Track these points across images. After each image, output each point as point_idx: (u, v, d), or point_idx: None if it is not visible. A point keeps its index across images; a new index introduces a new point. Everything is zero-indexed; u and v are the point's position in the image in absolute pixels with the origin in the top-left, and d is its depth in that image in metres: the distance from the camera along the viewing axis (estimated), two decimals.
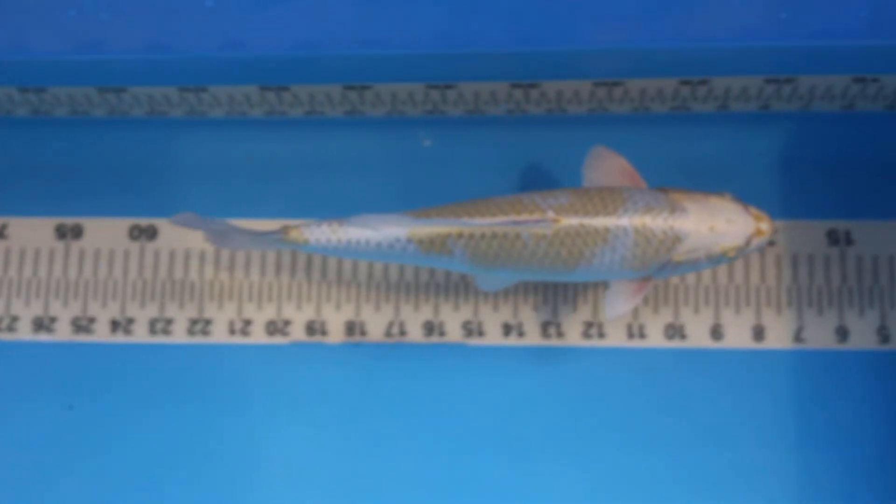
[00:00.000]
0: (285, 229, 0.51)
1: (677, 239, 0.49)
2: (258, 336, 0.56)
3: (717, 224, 0.49)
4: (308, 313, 0.56)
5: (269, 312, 0.56)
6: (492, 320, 0.56)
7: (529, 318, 0.56)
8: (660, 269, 0.50)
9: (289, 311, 0.56)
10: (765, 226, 0.50)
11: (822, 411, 0.55)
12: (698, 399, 0.55)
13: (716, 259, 0.50)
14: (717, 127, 0.57)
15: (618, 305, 0.50)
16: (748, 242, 0.49)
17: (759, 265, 0.56)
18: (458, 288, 0.56)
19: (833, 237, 0.55)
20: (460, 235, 0.49)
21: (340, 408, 0.56)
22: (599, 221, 0.49)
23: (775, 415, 0.55)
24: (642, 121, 0.57)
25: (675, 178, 0.53)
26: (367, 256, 0.51)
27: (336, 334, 0.56)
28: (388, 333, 0.56)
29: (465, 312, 0.56)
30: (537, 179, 0.57)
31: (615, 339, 0.55)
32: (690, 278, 0.55)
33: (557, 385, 0.56)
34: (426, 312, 0.56)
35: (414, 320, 0.56)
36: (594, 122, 0.57)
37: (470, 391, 0.56)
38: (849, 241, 0.55)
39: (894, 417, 0.54)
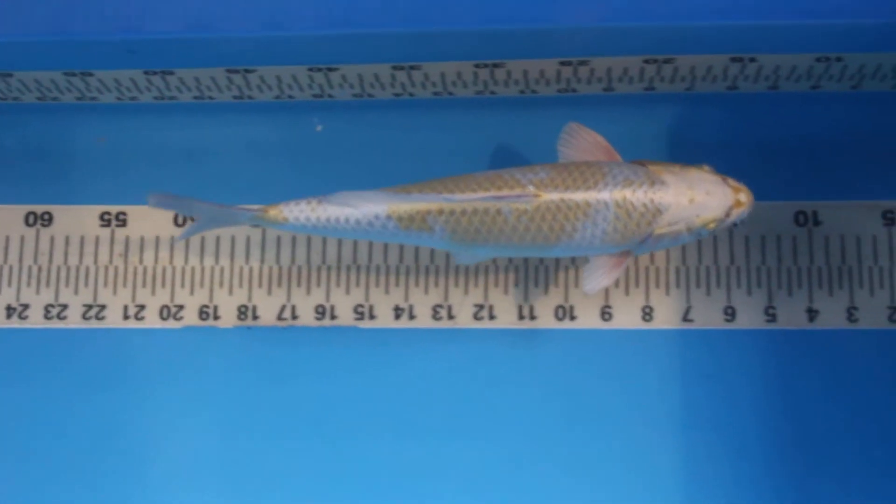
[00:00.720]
0: (264, 208, 0.51)
1: (658, 211, 0.49)
2: (151, 321, 0.57)
3: (696, 196, 0.49)
4: (201, 298, 0.56)
5: (163, 297, 0.57)
6: (382, 303, 0.56)
7: (421, 302, 0.56)
8: (641, 244, 0.50)
9: (182, 296, 0.57)
10: (744, 197, 0.49)
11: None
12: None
13: (696, 231, 0.49)
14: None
15: (596, 280, 0.50)
16: (728, 214, 0.49)
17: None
18: (349, 271, 0.56)
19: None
20: (441, 212, 0.49)
21: (232, 390, 0.56)
22: (580, 195, 0.49)
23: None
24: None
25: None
26: (346, 234, 0.51)
27: (228, 318, 0.56)
28: (281, 317, 0.56)
29: (358, 296, 0.56)
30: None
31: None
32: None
33: (449, 369, 0.56)
34: (317, 296, 0.56)
35: (306, 304, 0.56)
36: (478, 105, 0.57)
37: (359, 373, 0.56)
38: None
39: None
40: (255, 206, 0.51)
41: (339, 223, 0.50)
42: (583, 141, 0.51)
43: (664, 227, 0.49)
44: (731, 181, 0.49)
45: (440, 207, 0.49)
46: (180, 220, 0.57)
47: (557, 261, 0.55)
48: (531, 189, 0.49)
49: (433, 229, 0.50)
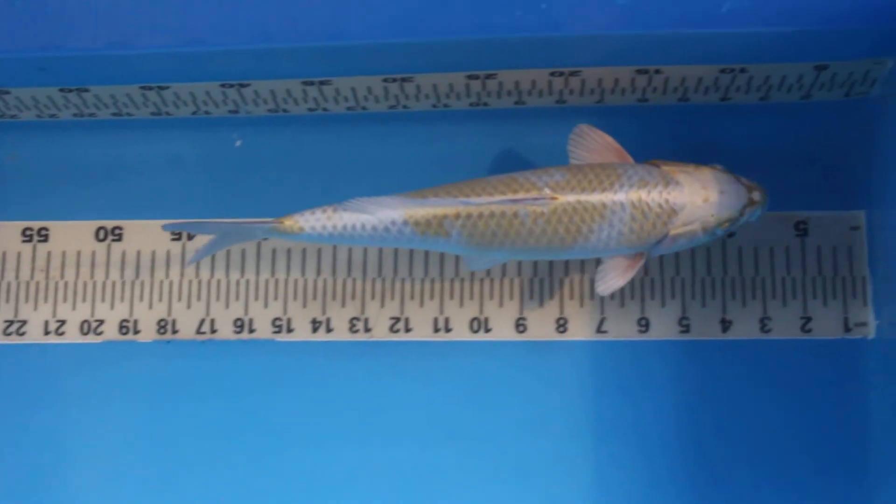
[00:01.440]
0: (279, 220, 0.51)
1: (673, 212, 0.49)
2: (72, 336, 0.57)
3: (710, 195, 0.49)
4: (121, 312, 0.57)
5: (84, 312, 0.57)
6: (300, 316, 0.56)
7: (338, 315, 0.56)
8: (657, 245, 0.50)
9: (102, 311, 0.57)
10: (757, 195, 0.50)
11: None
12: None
13: (711, 231, 0.49)
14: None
15: (610, 281, 0.50)
16: (742, 213, 0.49)
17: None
18: (267, 285, 0.57)
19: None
20: (457, 216, 0.50)
21: (153, 405, 0.56)
22: (596, 197, 0.49)
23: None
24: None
25: None
26: (362, 242, 0.51)
27: (148, 333, 0.57)
28: (200, 331, 0.57)
29: (276, 309, 0.56)
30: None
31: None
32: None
33: (366, 381, 0.56)
34: (236, 310, 0.57)
35: (224, 317, 0.57)
36: (391, 119, 0.57)
37: (279, 385, 0.56)
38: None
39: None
40: (269, 220, 0.52)
41: (355, 230, 0.51)
42: (593, 142, 0.51)
43: (679, 227, 0.49)
44: (745, 180, 0.50)
45: (457, 211, 0.49)
46: (101, 236, 0.57)
47: (472, 274, 0.56)
48: (547, 191, 0.49)
49: (450, 234, 0.50)
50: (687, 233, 0.49)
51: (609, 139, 0.51)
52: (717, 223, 0.49)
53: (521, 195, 0.49)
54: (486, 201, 0.49)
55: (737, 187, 0.49)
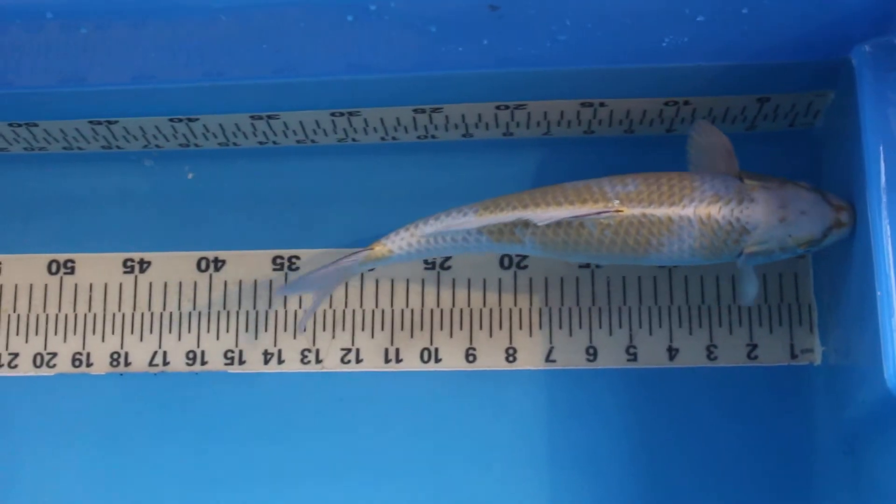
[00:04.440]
0: (369, 248, 0.52)
1: (744, 230, 0.48)
2: (25, 368, 0.57)
3: (789, 215, 0.48)
4: (74, 345, 0.57)
5: (36, 345, 0.57)
6: (251, 348, 0.57)
7: (289, 346, 0.57)
8: (738, 258, 0.49)
9: (55, 344, 0.57)
10: (845, 217, 0.47)
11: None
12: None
13: (791, 250, 0.48)
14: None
15: (749, 292, 0.51)
16: (825, 234, 0.48)
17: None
18: (220, 317, 0.57)
19: None
20: (527, 225, 0.50)
21: (106, 437, 0.57)
22: (663, 212, 0.48)
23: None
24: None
25: None
26: (446, 252, 0.52)
27: (101, 365, 0.57)
28: (152, 363, 0.57)
29: (227, 341, 0.57)
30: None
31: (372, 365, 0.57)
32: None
33: (316, 412, 0.56)
34: (188, 342, 0.57)
35: (177, 350, 0.57)
36: (340, 151, 0.57)
37: (231, 417, 0.57)
38: None
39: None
40: (360, 251, 0.52)
41: (437, 243, 0.51)
42: (711, 141, 0.50)
43: (753, 246, 0.48)
44: (834, 199, 0.48)
45: (525, 221, 0.49)
46: (54, 269, 0.58)
47: (422, 305, 0.56)
48: (615, 203, 0.48)
49: (523, 241, 0.50)
50: (763, 251, 0.48)
51: (723, 138, 0.50)
52: (796, 244, 0.48)
53: (586, 208, 0.49)
54: (549, 217, 0.49)
55: (822, 208, 0.48)
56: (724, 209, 0.48)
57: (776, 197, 0.48)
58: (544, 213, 0.49)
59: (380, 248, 0.52)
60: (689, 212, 0.48)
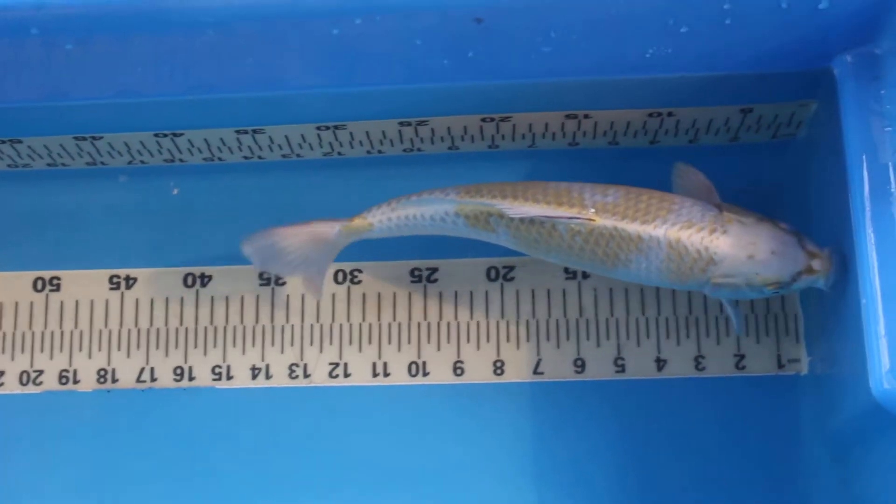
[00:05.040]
0: (349, 220, 0.52)
1: (711, 261, 0.47)
2: (11, 386, 0.57)
3: (758, 252, 0.47)
4: (60, 362, 0.57)
5: (22, 363, 0.57)
6: (239, 363, 0.57)
7: (277, 361, 0.57)
8: (704, 287, 0.48)
9: (41, 361, 0.57)
10: (818, 264, 0.47)
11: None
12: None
13: (758, 289, 0.47)
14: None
15: (735, 321, 0.51)
16: (794, 279, 0.47)
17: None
18: (206, 333, 0.57)
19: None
20: (501, 216, 0.49)
21: (94, 454, 0.56)
22: (634, 228, 0.48)
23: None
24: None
25: None
26: (424, 231, 0.52)
27: (88, 382, 0.57)
28: (140, 380, 0.57)
29: (215, 357, 0.57)
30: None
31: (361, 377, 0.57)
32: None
33: (305, 427, 0.56)
34: (175, 358, 0.57)
35: (164, 366, 0.57)
36: (326, 166, 0.58)
37: (220, 433, 0.56)
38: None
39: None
40: (338, 220, 0.52)
41: (416, 220, 0.51)
42: (687, 181, 0.50)
43: (720, 277, 0.47)
44: (810, 244, 0.47)
45: (500, 212, 0.49)
46: (39, 286, 0.57)
47: (409, 318, 0.56)
48: (591, 212, 0.48)
49: (497, 231, 0.50)
50: (729, 284, 0.47)
51: (701, 177, 0.49)
52: (762, 283, 0.47)
53: (560, 211, 0.48)
54: (524, 212, 0.49)
55: (794, 251, 0.47)
56: (695, 236, 0.47)
57: (749, 233, 0.47)
58: (519, 208, 0.49)
59: (360, 221, 0.52)
60: (659, 232, 0.47)
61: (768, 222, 0.48)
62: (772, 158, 0.56)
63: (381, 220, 0.52)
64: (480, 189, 0.50)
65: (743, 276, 0.47)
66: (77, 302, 0.57)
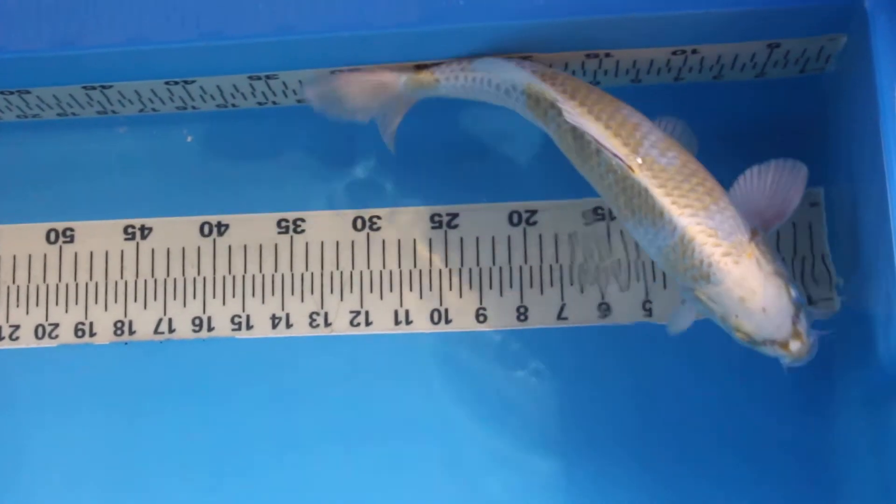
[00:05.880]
0: (415, 70, 0.50)
1: (707, 278, 0.45)
2: (27, 340, 0.56)
3: (751, 302, 0.44)
4: (76, 315, 0.56)
5: (37, 316, 0.56)
6: (259, 313, 0.56)
7: (297, 310, 0.56)
8: (687, 291, 0.46)
9: (57, 314, 0.56)
10: (794, 346, 0.44)
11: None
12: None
13: (728, 327, 0.45)
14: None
15: (678, 323, 0.48)
16: (763, 342, 0.45)
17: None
18: (224, 282, 0.56)
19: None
20: (558, 113, 0.47)
21: (111, 407, 0.56)
22: (661, 202, 0.45)
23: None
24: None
25: None
26: (488, 98, 0.50)
27: (104, 335, 0.56)
28: (157, 331, 0.56)
29: (234, 306, 0.56)
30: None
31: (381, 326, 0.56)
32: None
33: (327, 376, 0.56)
34: (194, 308, 0.56)
35: (182, 316, 0.56)
36: None
37: (240, 383, 0.56)
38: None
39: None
40: (408, 72, 0.51)
41: (481, 85, 0.49)
42: (747, 188, 0.46)
43: (704, 296, 0.45)
44: (802, 324, 0.44)
45: (559, 109, 0.47)
46: (52, 238, 0.57)
47: (430, 265, 0.55)
48: (637, 161, 0.45)
49: (547, 123, 0.48)
50: (707, 305, 0.45)
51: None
52: (736, 327, 0.45)
53: (610, 143, 0.46)
54: (579, 123, 0.46)
55: (782, 321, 0.44)
56: (708, 248, 0.44)
57: (756, 279, 0.44)
58: (578, 116, 0.47)
59: (426, 75, 0.50)
60: (681, 222, 0.45)
61: (781, 281, 0.44)
62: (800, 93, 0.55)
63: (448, 77, 0.50)
64: (556, 77, 0.48)
65: (724, 310, 0.45)
66: (91, 253, 0.57)
